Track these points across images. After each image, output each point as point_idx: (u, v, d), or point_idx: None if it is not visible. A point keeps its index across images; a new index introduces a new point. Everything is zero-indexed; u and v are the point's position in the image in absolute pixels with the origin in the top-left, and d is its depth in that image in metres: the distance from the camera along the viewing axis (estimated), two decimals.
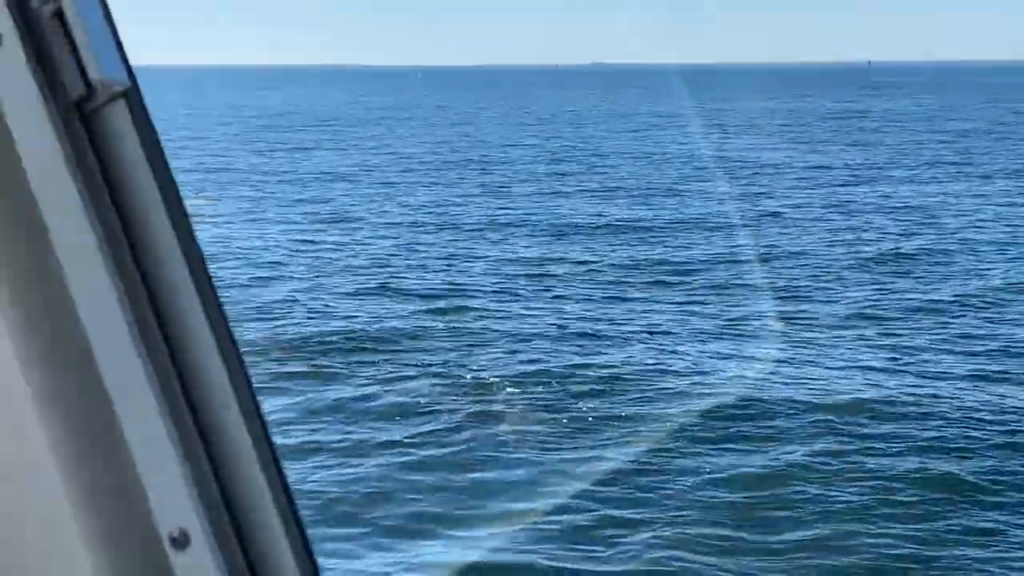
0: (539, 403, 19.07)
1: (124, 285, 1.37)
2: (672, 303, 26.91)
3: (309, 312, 25.38)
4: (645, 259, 32.34)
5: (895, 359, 21.85)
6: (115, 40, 1.40)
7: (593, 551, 14.02)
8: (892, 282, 29.10)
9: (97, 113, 1.37)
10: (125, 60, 1.40)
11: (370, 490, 15.50)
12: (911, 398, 19.25)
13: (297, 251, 33.66)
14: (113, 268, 1.36)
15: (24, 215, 1.36)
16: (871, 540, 14.12)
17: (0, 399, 1.37)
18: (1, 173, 1.36)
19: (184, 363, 1.40)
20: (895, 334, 23.79)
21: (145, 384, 1.36)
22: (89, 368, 1.36)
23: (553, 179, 53.28)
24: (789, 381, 20.18)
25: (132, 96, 1.39)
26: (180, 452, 1.37)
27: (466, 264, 31.64)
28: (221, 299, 1.43)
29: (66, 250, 1.36)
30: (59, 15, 1.34)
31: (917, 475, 16.01)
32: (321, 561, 1.50)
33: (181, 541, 1.37)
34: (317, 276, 29.89)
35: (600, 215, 41.08)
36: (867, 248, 33.89)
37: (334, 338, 22.89)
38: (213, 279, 1.43)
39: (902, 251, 33.25)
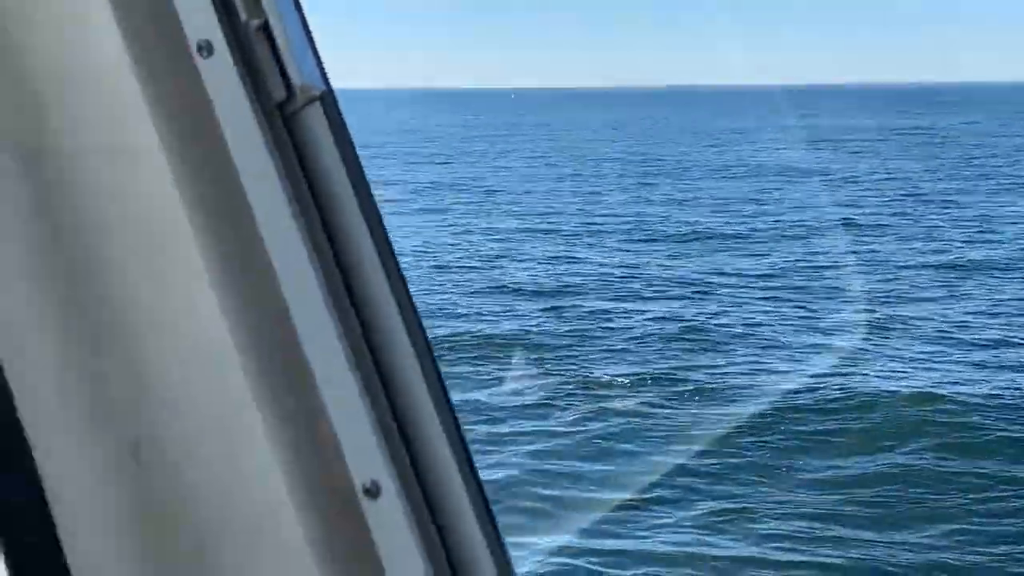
0: (644, 398, 18.69)
1: (321, 266, 1.39)
2: (761, 303, 26.47)
3: (428, 313, 25.19)
4: (729, 264, 31.93)
5: (971, 358, 21.27)
6: (313, 50, 1.43)
7: (704, 539, 13.75)
8: (959, 284, 28.54)
9: (296, 115, 1.41)
10: (321, 68, 1.42)
11: (492, 480, 15.25)
12: (987, 392, 18.66)
13: (417, 255, 33.57)
14: (312, 251, 1.39)
15: (233, 205, 1.39)
16: (966, 537, 13.63)
17: (215, 370, 1.42)
18: (212, 168, 1.40)
19: (375, 340, 1.43)
20: (970, 334, 23.19)
21: (341, 358, 1.39)
22: (291, 340, 1.40)
23: (642, 188, 52.98)
24: (870, 377, 19.66)
25: (327, 100, 1.42)
26: (370, 411, 1.40)
27: (567, 265, 31.39)
28: (407, 280, 1.44)
29: (270, 237, 1.39)
30: (264, 28, 1.38)
31: (1011, 472, 15.46)
32: None
33: (373, 491, 1.40)
34: (435, 278, 29.74)
35: (686, 222, 40.64)
36: (938, 254, 33.26)
37: (454, 337, 22.66)
38: (399, 262, 1.45)
39: (969, 257, 32.62)
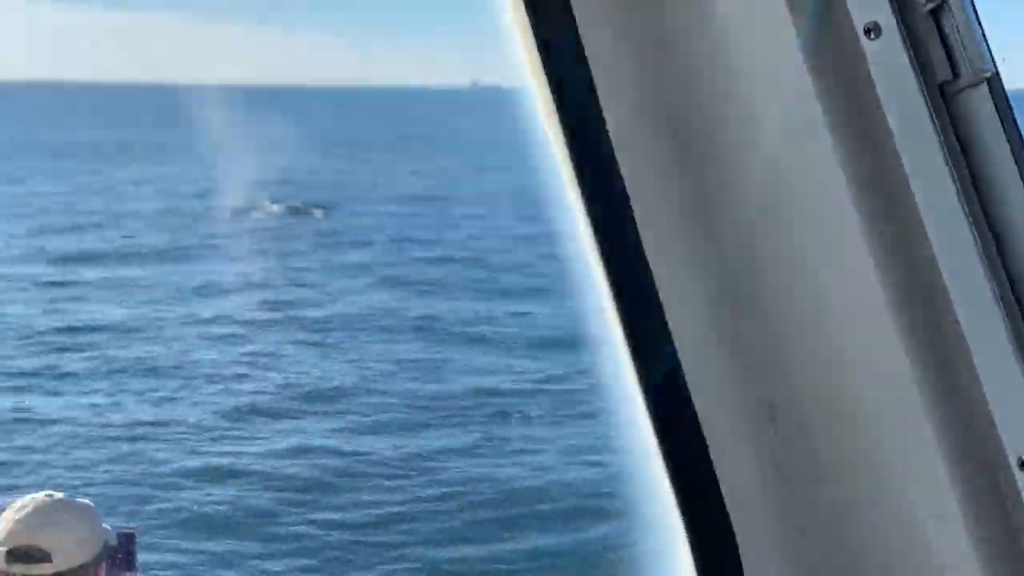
0: None
1: (982, 248, 1.33)
2: None
3: None
4: None
5: None
6: (981, 32, 1.36)
7: None
8: None
9: (958, 95, 1.35)
10: (988, 50, 1.35)
11: None
12: None
13: None
14: (972, 231, 1.33)
15: (894, 186, 1.35)
16: None
17: (865, 340, 1.39)
18: (874, 148, 1.36)
19: None
20: None
21: (1001, 335, 1.32)
22: (946, 313, 1.34)
23: None
24: None
25: (993, 82, 1.35)
26: None
27: None
28: None
29: (929, 216, 1.33)
30: (934, 12, 1.35)
31: None
32: None
33: None
34: None
35: None
36: None
37: None
38: None
39: None
